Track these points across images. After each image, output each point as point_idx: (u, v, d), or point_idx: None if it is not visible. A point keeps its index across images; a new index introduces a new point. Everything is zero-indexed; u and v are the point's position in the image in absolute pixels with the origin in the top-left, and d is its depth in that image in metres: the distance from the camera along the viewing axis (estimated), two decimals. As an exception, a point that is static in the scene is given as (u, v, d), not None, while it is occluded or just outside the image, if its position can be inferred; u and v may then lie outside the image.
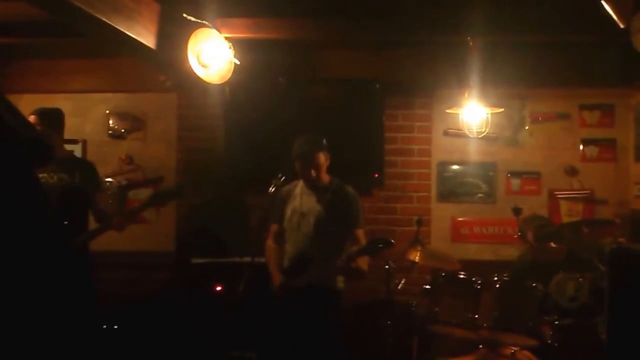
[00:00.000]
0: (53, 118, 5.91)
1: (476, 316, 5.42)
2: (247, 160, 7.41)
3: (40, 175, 5.51)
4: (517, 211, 5.89)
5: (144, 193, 7.71)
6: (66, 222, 5.55)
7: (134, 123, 7.90)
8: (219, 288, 6.86)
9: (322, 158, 5.72)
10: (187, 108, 7.76)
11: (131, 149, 7.86)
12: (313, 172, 5.70)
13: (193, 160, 7.73)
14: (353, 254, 5.46)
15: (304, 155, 5.73)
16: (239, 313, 5.96)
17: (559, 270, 5.99)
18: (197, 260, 6.98)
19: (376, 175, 7.38)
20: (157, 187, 7.70)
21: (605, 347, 4.78)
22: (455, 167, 7.55)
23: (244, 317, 5.91)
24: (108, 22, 5.19)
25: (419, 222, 6.18)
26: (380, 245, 5.30)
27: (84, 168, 6.01)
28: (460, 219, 7.54)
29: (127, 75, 7.73)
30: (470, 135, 6.58)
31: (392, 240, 5.37)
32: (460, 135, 7.12)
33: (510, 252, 7.14)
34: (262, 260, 5.81)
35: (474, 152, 7.40)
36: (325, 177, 5.81)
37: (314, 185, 5.78)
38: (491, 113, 6.49)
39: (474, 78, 6.32)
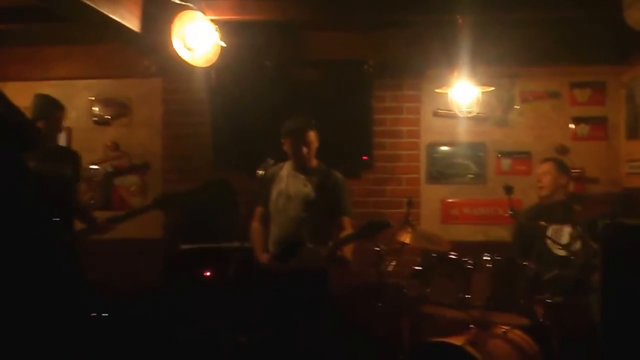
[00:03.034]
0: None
1: (468, 296, 5.38)
2: (234, 145, 7.37)
3: (34, 164, 5.55)
4: (508, 190, 5.83)
5: (131, 180, 7.68)
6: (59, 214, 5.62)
7: (119, 109, 7.83)
8: (207, 273, 6.80)
9: (313, 137, 5.70)
10: (173, 93, 7.70)
11: (116, 135, 7.80)
12: (304, 150, 5.65)
13: (179, 145, 7.68)
14: (340, 241, 5.45)
15: (296, 132, 5.70)
16: (228, 297, 5.93)
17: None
18: (185, 247, 6.92)
19: (365, 158, 7.32)
20: (143, 173, 7.66)
21: (599, 323, 4.80)
22: (444, 148, 7.49)
23: (234, 301, 5.88)
24: (91, 4, 5.12)
25: (409, 204, 6.12)
26: (378, 228, 5.31)
27: (74, 159, 6.06)
28: (450, 200, 7.48)
29: (111, 61, 7.67)
30: (460, 115, 6.52)
31: (389, 221, 5.40)
32: (449, 115, 7.07)
33: (501, 233, 7.15)
34: (248, 245, 5.78)
35: (463, 133, 7.32)
36: (314, 161, 5.77)
37: (301, 168, 5.74)
38: (482, 92, 6.42)
39: (464, 57, 6.28)
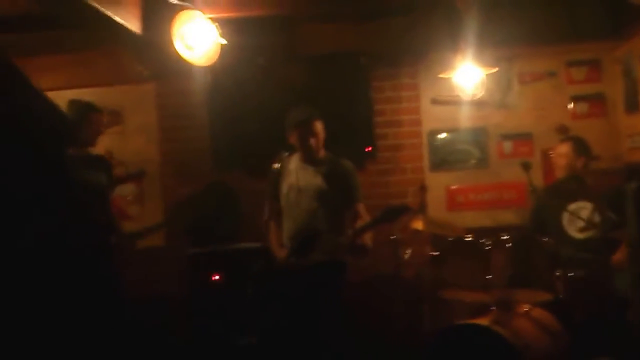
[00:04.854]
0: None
1: (488, 277, 5.38)
2: (233, 144, 7.34)
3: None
4: (526, 166, 5.81)
5: (127, 188, 7.57)
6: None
7: (112, 117, 7.67)
8: (216, 277, 6.73)
9: (320, 127, 5.65)
10: (168, 97, 7.59)
11: (111, 144, 7.64)
12: (312, 141, 5.61)
13: (177, 149, 7.59)
14: (359, 229, 5.38)
15: (303, 123, 5.64)
16: (248, 297, 5.87)
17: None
18: (192, 251, 6.83)
19: (369, 149, 7.30)
20: (139, 181, 7.57)
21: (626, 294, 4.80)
22: (446, 135, 7.45)
23: (253, 301, 5.83)
24: (99, 8, 5.05)
25: (422, 189, 6.12)
26: (397, 213, 5.28)
27: (107, 166, 6.00)
28: (454, 187, 7.44)
29: (100, 69, 7.53)
30: (465, 99, 6.50)
31: (408, 205, 5.38)
32: (449, 102, 7.06)
33: (508, 217, 7.17)
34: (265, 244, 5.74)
35: (463, 118, 7.29)
36: (322, 151, 5.72)
37: (309, 159, 5.69)
38: (486, 74, 6.40)
39: (462, 41, 6.24)
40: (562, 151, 6.38)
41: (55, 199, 2.69)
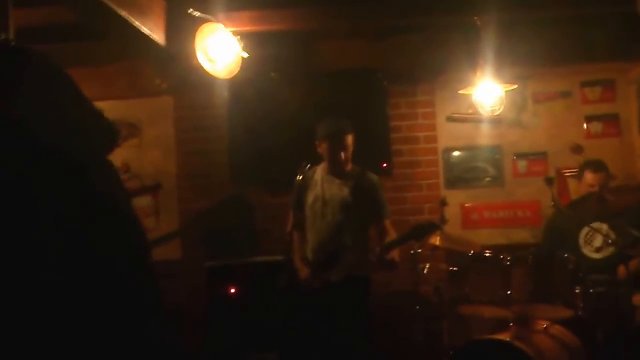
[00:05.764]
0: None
1: (509, 292, 5.38)
2: (251, 159, 7.31)
3: None
4: (549, 181, 5.82)
5: (143, 201, 7.56)
6: None
7: (129, 130, 7.71)
8: (233, 290, 6.72)
9: (351, 140, 5.60)
10: (186, 110, 7.64)
11: (127, 156, 7.65)
12: (342, 154, 5.55)
13: (194, 162, 7.62)
14: (388, 245, 5.36)
15: (334, 135, 5.59)
16: (263, 313, 5.85)
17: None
18: (209, 264, 6.83)
19: (384, 166, 7.28)
20: (155, 194, 7.59)
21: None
22: (461, 152, 7.49)
23: (266, 317, 5.81)
24: (128, 18, 5.12)
25: (443, 203, 6.13)
26: (426, 231, 5.30)
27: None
28: (469, 205, 7.46)
29: (118, 82, 7.56)
30: (485, 115, 6.53)
31: (436, 223, 5.39)
32: (464, 119, 7.10)
33: (522, 235, 7.21)
34: (279, 258, 5.71)
35: (479, 136, 7.34)
36: (349, 165, 5.71)
37: (337, 172, 5.65)
38: (505, 91, 6.43)
39: (479, 59, 6.30)
40: (589, 182, 6.38)
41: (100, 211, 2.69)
